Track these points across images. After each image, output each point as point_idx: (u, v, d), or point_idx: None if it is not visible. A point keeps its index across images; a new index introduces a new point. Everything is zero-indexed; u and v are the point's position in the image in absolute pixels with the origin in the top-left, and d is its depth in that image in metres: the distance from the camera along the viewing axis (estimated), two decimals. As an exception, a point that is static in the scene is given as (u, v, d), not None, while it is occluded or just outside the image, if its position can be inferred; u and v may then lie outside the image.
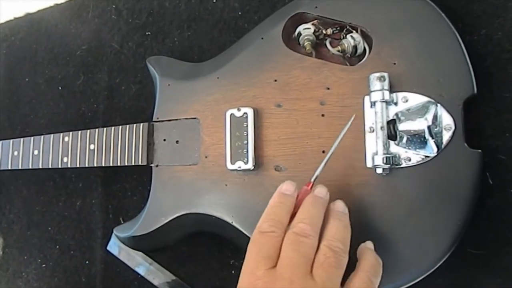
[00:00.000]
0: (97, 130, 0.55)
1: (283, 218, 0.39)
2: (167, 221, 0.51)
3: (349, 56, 0.50)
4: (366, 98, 0.46)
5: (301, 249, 0.37)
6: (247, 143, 0.48)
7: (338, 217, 0.40)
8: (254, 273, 0.36)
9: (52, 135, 0.57)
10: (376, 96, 0.44)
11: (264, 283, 0.35)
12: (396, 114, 0.45)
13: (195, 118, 0.52)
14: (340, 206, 0.41)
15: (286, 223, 0.39)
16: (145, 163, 0.53)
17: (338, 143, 0.42)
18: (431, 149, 0.43)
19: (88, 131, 0.56)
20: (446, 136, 0.43)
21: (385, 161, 0.43)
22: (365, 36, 0.48)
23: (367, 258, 0.40)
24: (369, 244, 0.42)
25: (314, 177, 0.42)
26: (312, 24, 0.50)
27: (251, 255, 0.38)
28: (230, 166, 0.48)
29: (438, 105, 0.44)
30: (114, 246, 0.61)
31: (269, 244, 0.37)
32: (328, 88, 0.47)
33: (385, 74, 0.44)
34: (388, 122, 0.45)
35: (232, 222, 0.48)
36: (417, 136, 0.44)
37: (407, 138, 0.44)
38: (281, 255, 0.37)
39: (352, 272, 0.39)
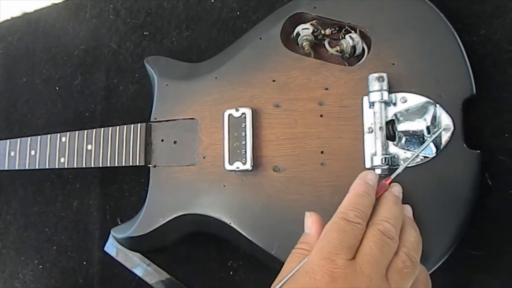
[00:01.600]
0: (94, 130, 0.55)
1: (367, 210, 0.38)
2: (164, 222, 0.50)
3: (347, 56, 0.49)
4: (365, 98, 0.45)
5: (384, 249, 0.36)
6: (245, 143, 0.48)
7: (413, 226, 0.40)
8: (334, 261, 0.35)
9: (49, 135, 0.57)
10: (374, 96, 0.44)
11: (344, 274, 0.34)
12: (395, 115, 0.45)
13: (193, 118, 0.52)
14: (410, 211, 0.41)
15: (368, 215, 0.38)
16: (142, 164, 0.53)
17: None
18: (430, 150, 0.43)
19: (86, 131, 0.55)
20: (445, 136, 0.43)
21: (384, 162, 0.43)
22: (364, 37, 0.48)
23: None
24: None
25: (396, 174, 0.41)
26: (311, 24, 0.50)
27: (333, 240, 0.36)
28: (228, 166, 0.48)
29: (437, 105, 0.44)
30: (112, 247, 0.60)
31: (354, 235, 0.36)
32: (327, 89, 0.47)
33: (384, 75, 0.44)
34: (387, 123, 0.45)
35: (230, 223, 0.48)
36: (416, 136, 0.44)
37: (406, 139, 0.44)
38: (363, 249, 0.36)
39: None
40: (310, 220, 0.40)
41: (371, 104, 0.45)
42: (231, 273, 0.56)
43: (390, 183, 0.41)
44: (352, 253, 0.36)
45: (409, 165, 0.43)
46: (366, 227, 0.37)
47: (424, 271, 0.39)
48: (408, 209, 0.41)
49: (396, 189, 0.41)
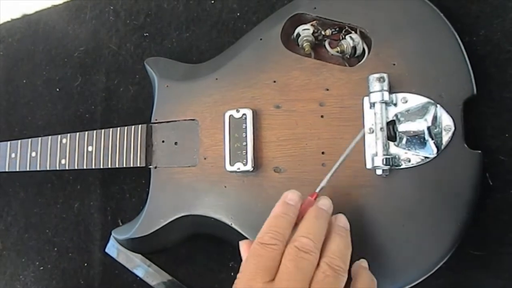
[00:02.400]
0: (95, 132, 0.55)
1: (285, 230, 0.38)
2: (165, 223, 0.50)
3: (348, 57, 0.49)
4: (366, 99, 0.45)
5: (301, 265, 0.36)
6: (246, 144, 0.48)
7: (340, 233, 0.40)
8: (251, 286, 0.36)
9: (49, 137, 0.57)
10: (375, 97, 0.44)
11: None
12: (396, 115, 0.45)
13: (193, 119, 0.52)
14: (342, 220, 0.41)
15: (287, 236, 0.38)
16: (143, 165, 0.53)
17: (346, 156, 0.41)
18: (431, 150, 0.43)
19: (86, 132, 0.55)
20: (446, 137, 0.43)
21: (384, 162, 0.43)
22: (364, 37, 0.48)
23: (362, 278, 0.39)
24: (363, 263, 0.41)
25: (320, 188, 0.41)
26: (311, 25, 0.50)
27: (249, 266, 0.37)
28: (229, 167, 0.48)
29: (438, 106, 0.44)
30: (113, 248, 0.60)
31: (269, 256, 0.37)
32: (327, 89, 0.47)
33: (385, 75, 0.44)
34: (388, 123, 0.45)
35: (231, 224, 0.48)
36: (416, 137, 0.44)
37: (407, 139, 0.44)
38: (280, 269, 0.36)
39: None
40: (243, 249, 0.41)
41: (372, 105, 0.45)
42: (231, 274, 0.56)
43: (315, 198, 0.41)
44: (271, 275, 0.36)
45: (409, 166, 0.43)
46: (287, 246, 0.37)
47: (366, 280, 0.39)
48: (340, 218, 0.41)
49: (323, 202, 0.41)
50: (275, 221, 0.39)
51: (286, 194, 0.41)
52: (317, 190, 0.41)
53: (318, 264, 0.37)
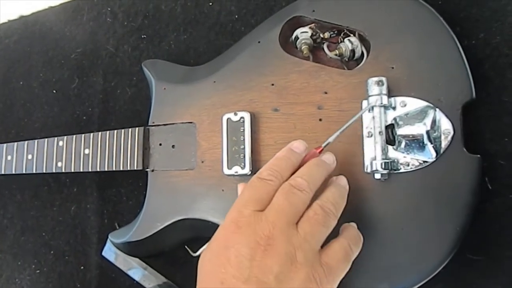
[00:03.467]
0: (92, 134, 0.55)
1: (284, 171, 0.39)
2: (163, 226, 0.50)
3: (346, 60, 0.49)
4: (364, 102, 0.45)
5: (291, 199, 0.37)
6: (244, 147, 0.47)
7: (337, 187, 0.41)
8: (241, 211, 0.37)
9: (46, 139, 0.56)
10: (374, 100, 0.44)
11: (248, 221, 0.36)
12: (395, 119, 0.45)
13: (191, 122, 0.51)
14: (343, 180, 0.42)
15: (286, 177, 0.39)
16: (140, 168, 0.52)
17: (357, 117, 0.42)
18: (430, 154, 0.43)
19: (83, 135, 0.55)
20: (445, 141, 0.43)
21: (383, 166, 0.43)
22: (362, 40, 0.48)
23: (349, 229, 0.41)
24: (352, 223, 0.42)
25: (326, 143, 0.42)
26: (310, 27, 0.49)
27: (243, 195, 0.38)
28: (226, 171, 0.48)
29: (437, 109, 0.44)
30: (110, 252, 0.60)
31: (264, 189, 0.38)
32: (326, 93, 0.47)
33: (383, 79, 0.44)
34: (387, 127, 0.44)
35: (229, 228, 0.48)
36: (415, 141, 0.44)
37: (406, 143, 0.44)
38: (272, 201, 0.37)
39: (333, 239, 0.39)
40: (240, 189, 0.43)
41: (371, 108, 0.44)
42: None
43: (320, 152, 0.42)
44: (262, 206, 0.37)
45: (408, 170, 0.43)
46: None
47: (352, 231, 0.40)
48: (341, 178, 0.42)
49: (327, 156, 0.42)
50: (276, 161, 0.40)
51: (293, 143, 0.42)
52: (323, 145, 0.42)
53: (309, 205, 0.38)
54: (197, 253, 0.39)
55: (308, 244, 0.36)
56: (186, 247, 0.42)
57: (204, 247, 0.38)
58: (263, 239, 0.35)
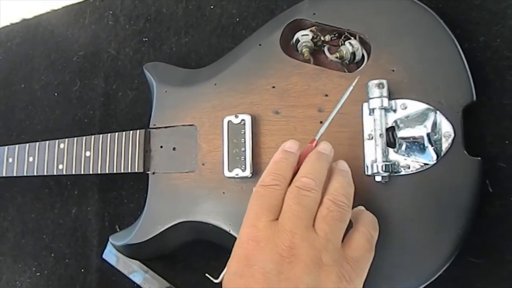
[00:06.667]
0: (93, 136, 0.55)
1: (285, 173, 0.39)
2: (163, 229, 0.50)
3: (347, 62, 0.49)
4: (365, 105, 0.45)
5: (303, 202, 0.36)
6: (245, 150, 0.47)
7: (341, 174, 0.40)
8: (255, 225, 0.36)
9: (47, 141, 0.56)
10: (374, 103, 0.44)
11: (265, 234, 0.35)
12: (395, 121, 0.45)
13: (192, 125, 0.51)
14: (342, 164, 0.41)
15: (289, 178, 0.38)
16: (141, 170, 0.52)
17: (342, 103, 0.42)
18: (431, 157, 0.43)
19: (84, 137, 0.55)
20: (446, 143, 0.43)
21: (384, 169, 0.43)
22: (363, 43, 0.48)
23: (363, 216, 0.40)
24: (361, 207, 0.42)
25: (319, 135, 0.41)
26: (310, 30, 0.50)
27: (252, 207, 0.37)
28: (227, 173, 0.48)
29: (437, 112, 0.44)
30: (110, 254, 0.60)
31: (272, 196, 0.37)
32: (326, 95, 0.47)
33: (384, 81, 0.44)
34: (387, 130, 0.44)
35: (229, 231, 0.48)
36: (416, 143, 0.44)
37: (406, 146, 0.44)
38: (283, 208, 0.36)
39: (350, 230, 0.39)
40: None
41: (371, 111, 0.45)
42: (230, 280, 0.56)
43: (315, 145, 0.41)
44: (274, 214, 0.36)
45: (409, 173, 0.43)
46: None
47: (367, 216, 0.40)
48: (341, 163, 0.41)
49: (323, 146, 0.41)
50: (275, 165, 0.39)
51: (285, 143, 0.41)
52: (317, 138, 0.41)
53: (321, 202, 0.37)
54: (219, 279, 0.39)
55: (331, 244, 0.35)
56: (207, 274, 0.42)
57: (224, 271, 0.37)
58: (285, 251, 0.34)
